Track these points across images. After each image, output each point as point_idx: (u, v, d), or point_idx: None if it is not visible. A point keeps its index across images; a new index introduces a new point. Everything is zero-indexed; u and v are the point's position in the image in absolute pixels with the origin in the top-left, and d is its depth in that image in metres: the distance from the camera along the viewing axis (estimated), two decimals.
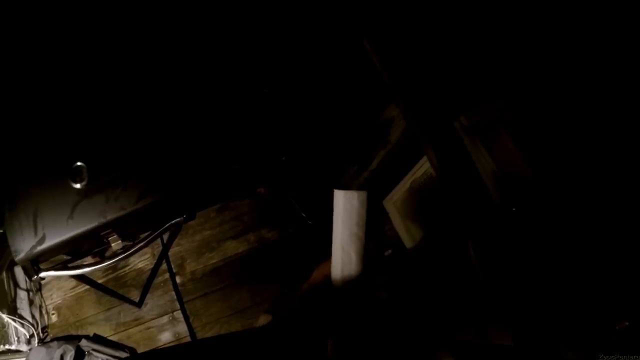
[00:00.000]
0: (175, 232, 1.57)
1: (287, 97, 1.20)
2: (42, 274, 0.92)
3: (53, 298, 1.69)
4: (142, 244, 1.06)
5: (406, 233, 1.58)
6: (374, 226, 1.76)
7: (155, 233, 1.09)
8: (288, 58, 1.16)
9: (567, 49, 0.93)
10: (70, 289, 1.68)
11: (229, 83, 1.15)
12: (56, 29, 1.05)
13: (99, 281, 1.57)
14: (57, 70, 1.07)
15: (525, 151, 0.94)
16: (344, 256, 0.65)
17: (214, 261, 1.59)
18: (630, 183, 0.80)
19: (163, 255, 1.60)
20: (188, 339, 1.55)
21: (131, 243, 1.07)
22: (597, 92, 0.88)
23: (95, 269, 1.04)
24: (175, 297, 1.57)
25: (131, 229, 1.06)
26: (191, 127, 1.08)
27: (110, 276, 1.63)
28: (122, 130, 1.00)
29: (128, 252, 1.06)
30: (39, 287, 1.72)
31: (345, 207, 0.64)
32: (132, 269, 1.62)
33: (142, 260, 1.62)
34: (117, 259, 1.05)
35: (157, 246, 1.61)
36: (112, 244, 1.00)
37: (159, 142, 1.02)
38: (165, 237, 1.62)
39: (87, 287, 1.66)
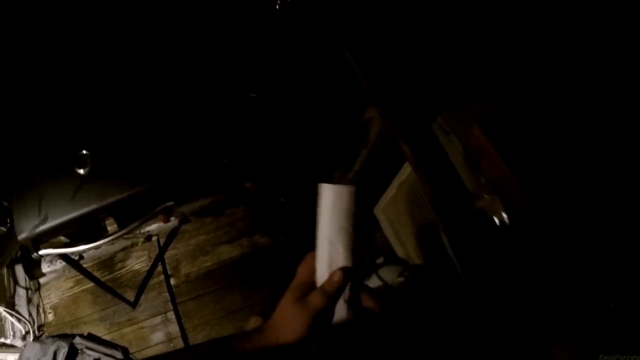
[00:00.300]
0: (171, 235, 1.63)
1: (273, 99, 1.29)
2: (41, 252, 0.98)
3: (51, 297, 1.74)
4: (136, 223, 1.11)
5: (396, 240, 1.63)
6: (365, 234, 1.81)
7: (148, 215, 1.15)
8: (275, 63, 1.26)
9: (539, 51, 1.01)
10: (68, 289, 1.73)
11: (219, 85, 1.24)
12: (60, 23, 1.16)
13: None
14: (66, 66, 1.17)
15: (502, 150, 1.01)
16: (332, 251, 0.62)
17: (208, 264, 1.64)
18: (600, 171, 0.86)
19: (159, 258, 1.66)
20: (179, 339, 1.58)
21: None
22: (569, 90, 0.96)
23: (90, 247, 1.10)
24: (169, 298, 1.61)
25: (126, 213, 1.13)
26: (185, 123, 1.15)
27: (108, 276, 1.68)
28: (123, 125, 1.09)
29: (123, 231, 1.12)
30: (37, 287, 1.77)
31: (333, 200, 0.61)
32: (128, 270, 1.68)
33: (138, 262, 1.67)
34: (112, 237, 1.11)
35: (154, 249, 1.67)
36: (109, 227, 1.06)
37: (155, 136, 1.10)
38: (162, 240, 1.69)
39: (84, 287, 1.71)
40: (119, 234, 1.13)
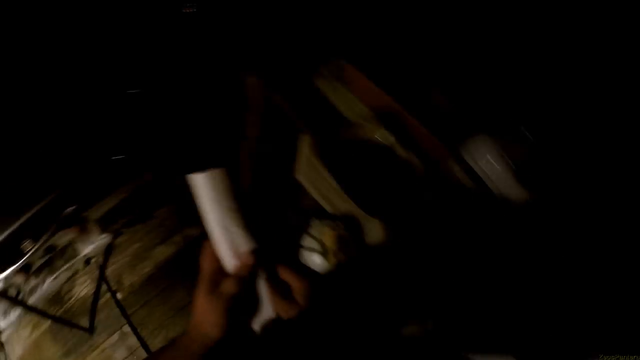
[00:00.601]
0: (108, 252, 1.66)
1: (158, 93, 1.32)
2: None
3: (15, 350, 1.75)
4: (44, 238, 1.14)
5: (322, 197, 1.65)
6: (294, 198, 1.82)
7: (51, 230, 1.17)
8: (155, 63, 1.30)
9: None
10: (27, 336, 1.74)
11: (97, 83, 1.26)
12: None
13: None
14: None
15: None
16: (229, 235, 0.60)
17: (147, 270, 1.66)
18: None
19: (101, 277, 1.68)
20: (141, 349, 1.60)
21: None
22: None
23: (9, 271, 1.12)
24: (120, 313, 1.63)
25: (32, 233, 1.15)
26: (69, 127, 1.17)
27: (60, 311, 1.70)
28: None
29: (29, 253, 1.14)
30: (1, 346, 1.78)
31: (210, 186, 0.59)
32: (77, 299, 1.69)
33: (84, 288, 1.69)
34: (21, 262, 1.14)
35: (95, 270, 1.69)
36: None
37: (30, 148, 1.12)
38: (100, 260, 1.72)
39: (42, 329, 1.73)
40: (25, 257, 1.16)
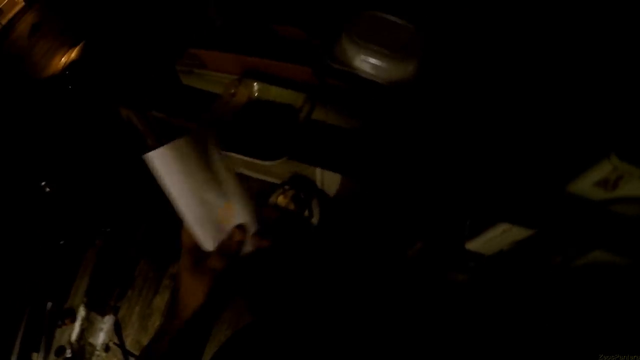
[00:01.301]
0: (118, 331, 1.70)
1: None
2: None
3: None
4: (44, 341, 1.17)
5: (262, 175, 1.68)
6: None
7: (46, 330, 1.20)
8: None
9: None
10: None
11: None
12: None
13: None
14: None
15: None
16: (212, 208, 0.55)
17: (157, 322, 1.71)
18: None
19: (125, 354, 1.73)
20: None
21: None
22: None
23: None
24: None
25: None
26: None
27: None
28: None
29: None
30: None
31: (177, 158, 0.52)
32: None
33: None
34: None
35: (117, 350, 1.74)
36: None
37: None
38: (115, 339, 1.76)
39: None
40: None
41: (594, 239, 0.86)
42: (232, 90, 1.15)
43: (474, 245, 1.02)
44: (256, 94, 1.12)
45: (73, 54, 2.06)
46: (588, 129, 0.83)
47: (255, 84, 1.12)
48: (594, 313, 0.85)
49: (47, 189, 1.65)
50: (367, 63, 1.01)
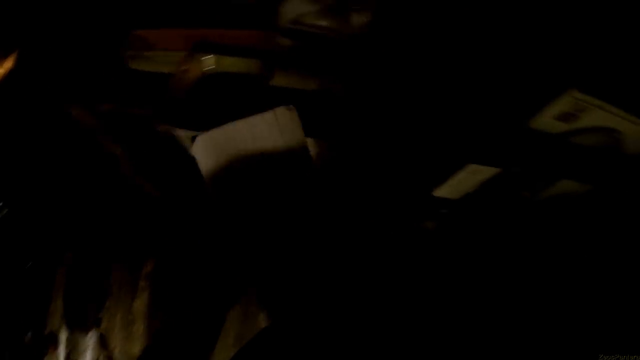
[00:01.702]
0: (103, 344, 1.63)
1: None
2: None
3: None
4: None
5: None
6: None
7: None
8: None
9: None
10: None
11: None
12: None
13: None
14: None
15: None
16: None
17: (141, 327, 1.66)
18: None
19: None
20: None
21: None
22: None
23: None
24: None
25: None
26: None
27: None
28: None
29: None
30: None
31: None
32: None
33: None
34: None
35: None
36: None
37: None
38: (104, 354, 1.68)
39: None
40: None
41: (559, 170, 0.93)
42: (184, 68, 1.09)
43: (441, 192, 1.02)
44: (210, 67, 1.07)
45: (9, 63, 1.94)
46: (547, 63, 0.84)
47: (206, 56, 1.07)
48: (594, 313, 0.86)
49: (4, 211, 1.54)
50: (319, 17, 0.98)
